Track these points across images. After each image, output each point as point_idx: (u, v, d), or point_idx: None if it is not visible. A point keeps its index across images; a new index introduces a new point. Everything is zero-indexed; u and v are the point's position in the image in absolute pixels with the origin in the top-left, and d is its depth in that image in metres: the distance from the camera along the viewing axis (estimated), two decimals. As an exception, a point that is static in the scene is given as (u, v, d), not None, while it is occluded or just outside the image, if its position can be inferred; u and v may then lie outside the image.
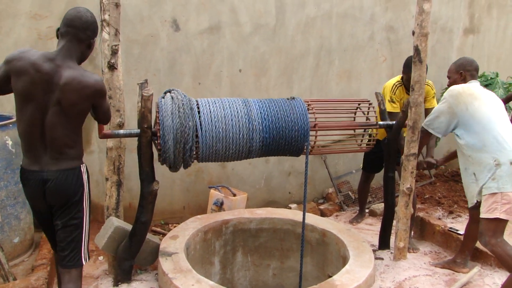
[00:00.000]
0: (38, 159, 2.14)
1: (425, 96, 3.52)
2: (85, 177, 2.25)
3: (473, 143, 2.82)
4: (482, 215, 2.77)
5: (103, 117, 2.38)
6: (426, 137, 3.19)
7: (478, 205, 2.89)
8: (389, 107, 3.58)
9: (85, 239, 2.26)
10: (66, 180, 2.15)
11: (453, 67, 3.14)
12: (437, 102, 3.34)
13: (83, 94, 2.12)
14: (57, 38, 2.20)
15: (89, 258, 2.34)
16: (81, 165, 2.24)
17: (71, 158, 2.18)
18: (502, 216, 2.68)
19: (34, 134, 2.12)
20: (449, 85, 3.15)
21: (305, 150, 2.99)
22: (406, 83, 3.55)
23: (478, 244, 3.33)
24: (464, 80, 3.05)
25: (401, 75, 3.70)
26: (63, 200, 2.17)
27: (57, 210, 2.19)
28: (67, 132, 2.15)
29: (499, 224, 2.72)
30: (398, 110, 3.53)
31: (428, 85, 3.62)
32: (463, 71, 3.06)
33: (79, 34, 2.15)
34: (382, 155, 3.52)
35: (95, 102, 2.21)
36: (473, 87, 2.96)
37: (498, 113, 2.87)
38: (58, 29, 2.21)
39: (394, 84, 3.67)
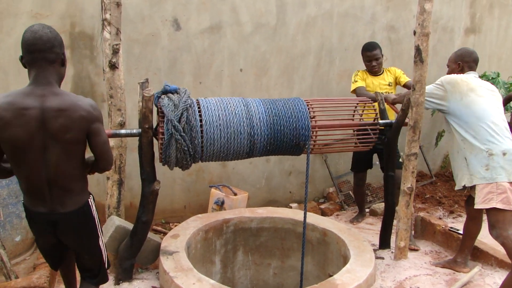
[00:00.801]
0: (43, 199, 2.00)
1: (398, 76, 4.03)
2: (93, 209, 2.16)
3: (466, 132, 2.88)
4: (477, 206, 2.82)
5: (101, 153, 2.06)
6: None
7: (471, 200, 2.93)
8: (352, 87, 4.03)
9: (105, 257, 2.26)
10: (76, 219, 2.07)
11: (453, 56, 3.21)
12: None
13: (76, 118, 1.91)
14: (24, 67, 1.95)
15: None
16: (89, 199, 2.13)
17: (78, 193, 2.06)
18: (499, 206, 2.72)
19: (39, 177, 1.95)
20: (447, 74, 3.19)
21: (305, 150, 2.99)
22: (366, 68, 4.05)
23: (478, 243, 3.34)
24: (462, 71, 3.11)
25: None
26: (76, 236, 2.13)
27: (70, 243, 2.16)
28: (73, 165, 2.00)
29: (506, 215, 2.74)
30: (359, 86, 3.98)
31: (392, 68, 4.13)
32: (461, 62, 3.12)
33: (47, 56, 1.91)
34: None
35: (91, 129, 1.97)
36: (471, 78, 3.02)
37: (493, 105, 2.92)
38: (21, 57, 1.94)
39: (357, 69, 4.16)
